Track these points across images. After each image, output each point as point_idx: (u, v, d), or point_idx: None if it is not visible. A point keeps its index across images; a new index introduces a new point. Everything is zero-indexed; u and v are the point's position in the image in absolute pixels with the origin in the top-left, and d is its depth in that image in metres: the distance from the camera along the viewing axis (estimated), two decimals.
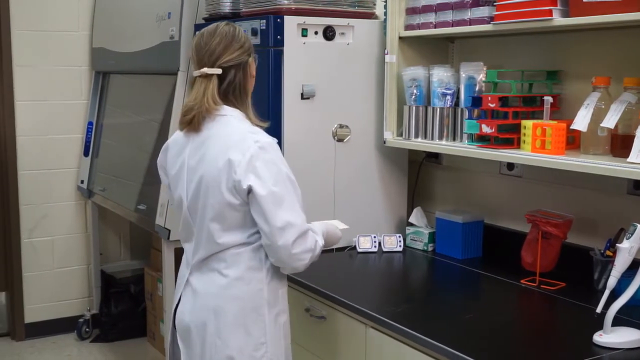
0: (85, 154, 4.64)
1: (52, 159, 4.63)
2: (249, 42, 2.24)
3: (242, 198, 2.09)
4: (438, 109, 2.77)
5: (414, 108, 2.86)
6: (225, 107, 2.18)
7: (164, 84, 3.69)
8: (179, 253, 2.70)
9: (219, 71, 2.14)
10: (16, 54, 4.45)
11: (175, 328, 2.31)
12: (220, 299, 2.16)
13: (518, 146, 2.47)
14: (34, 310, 4.67)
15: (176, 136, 2.30)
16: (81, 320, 4.67)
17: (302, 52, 2.85)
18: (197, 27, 3.33)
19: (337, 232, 2.41)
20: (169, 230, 3.35)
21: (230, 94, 2.19)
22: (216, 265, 2.17)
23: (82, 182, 4.60)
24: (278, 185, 2.08)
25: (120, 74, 4.46)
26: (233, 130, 2.14)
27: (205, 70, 2.14)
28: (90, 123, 4.64)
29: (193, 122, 2.15)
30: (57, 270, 4.73)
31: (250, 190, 2.07)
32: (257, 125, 2.20)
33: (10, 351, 4.51)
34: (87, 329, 4.67)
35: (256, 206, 2.08)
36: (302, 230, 2.12)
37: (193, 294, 2.22)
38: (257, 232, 2.14)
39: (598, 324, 2.04)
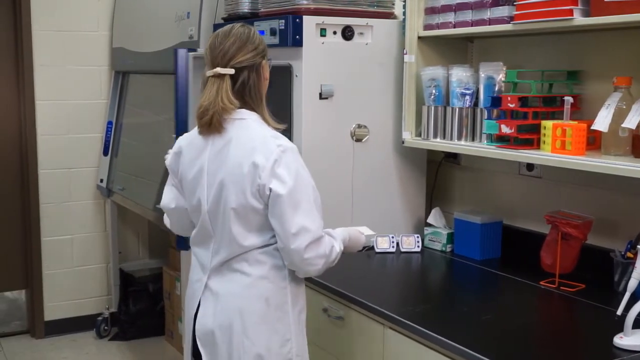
0: (105, 153, 4.67)
1: (72, 158, 4.67)
2: (264, 44, 2.24)
3: (265, 201, 2.10)
4: (457, 109, 2.76)
5: (432, 108, 2.85)
6: (244, 110, 2.18)
7: None
8: None
9: (232, 71, 2.14)
10: (37, 54, 4.49)
11: (194, 335, 2.27)
12: (245, 299, 2.17)
13: (538, 147, 2.46)
14: (54, 308, 4.72)
15: (191, 139, 2.27)
16: (100, 318, 4.70)
17: (320, 52, 2.85)
18: (216, 27, 3.34)
19: (360, 238, 2.42)
20: None
21: (246, 96, 2.18)
22: (238, 267, 2.17)
23: (101, 181, 4.64)
24: (297, 189, 2.09)
25: (139, 73, 4.48)
26: (255, 134, 2.14)
27: (218, 70, 2.14)
28: (109, 122, 4.67)
29: (213, 123, 2.13)
30: (77, 268, 4.77)
31: (270, 193, 2.08)
32: (275, 128, 2.20)
33: (30, 348, 4.55)
34: (105, 327, 4.70)
35: (274, 208, 2.09)
36: (317, 236, 2.12)
37: (214, 297, 2.21)
38: None
39: (618, 327, 2.02)
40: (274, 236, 2.15)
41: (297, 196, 2.09)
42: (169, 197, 2.37)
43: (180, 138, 2.35)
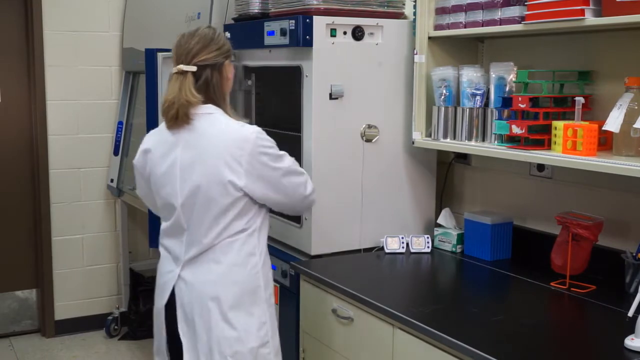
0: (115, 153, 4.68)
1: (83, 158, 4.69)
2: (228, 46, 2.38)
3: (244, 188, 2.25)
4: (467, 110, 2.76)
5: (443, 108, 2.85)
6: (210, 105, 2.31)
7: None
8: None
9: (194, 68, 2.27)
10: (48, 54, 4.51)
11: (168, 325, 2.38)
12: (221, 287, 2.29)
13: (549, 147, 2.45)
14: (64, 308, 4.74)
15: (160, 136, 2.36)
16: (110, 317, 4.72)
17: (330, 52, 2.85)
18: (227, 27, 3.34)
19: None
20: None
21: (210, 92, 2.31)
22: (212, 256, 2.30)
23: (111, 180, 4.65)
24: (280, 161, 2.31)
25: None
26: (224, 126, 2.28)
27: (181, 67, 2.27)
28: (120, 122, 4.69)
29: (179, 116, 2.25)
30: (87, 268, 4.79)
31: (255, 178, 2.25)
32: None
33: (41, 347, 4.57)
34: (115, 327, 4.71)
35: (268, 187, 2.29)
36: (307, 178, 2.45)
37: (189, 287, 2.32)
38: (252, 218, 2.32)
39: (629, 328, 2.01)
40: (247, 222, 2.31)
41: (284, 167, 2.32)
42: (139, 187, 2.53)
43: (147, 136, 2.44)
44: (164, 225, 2.40)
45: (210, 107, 2.31)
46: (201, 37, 2.31)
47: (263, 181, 2.28)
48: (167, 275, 2.38)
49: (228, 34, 3.30)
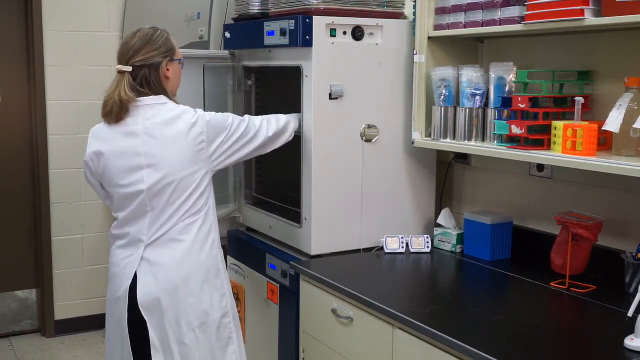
0: None
1: (83, 158, 4.66)
2: (168, 46, 2.50)
3: (207, 160, 2.46)
4: (467, 110, 2.76)
5: (442, 108, 2.85)
6: (160, 96, 2.46)
7: None
8: None
9: (129, 69, 2.43)
10: (48, 54, 4.51)
11: (131, 309, 2.44)
12: (186, 263, 2.45)
13: (548, 147, 2.45)
14: (64, 308, 4.74)
15: (105, 134, 2.47)
16: None
17: (330, 53, 2.85)
18: (227, 27, 3.34)
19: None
20: None
21: (153, 89, 2.45)
22: (174, 236, 2.45)
23: None
24: (230, 118, 2.56)
25: None
26: (167, 111, 2.44)
27: (119, 67, 2.44)
28: None
29: (112, 113, 2.41)
30: (87, 268, 4.79)
31: (219, 142, 2.48)
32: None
33: (41, 347, 4.57)
34: None
35: (231, 144, 2.53)
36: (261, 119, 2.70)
37: (154, 267, 2.43)
38: (209, 196, 2.52)
39: (629, 328, 2.01)
40: (205, 201, 2.49)
41: (235, 122, 2.57)
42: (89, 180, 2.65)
43: (91, 139, 2.53)
44: (120, 216, 2.52)
45: (162, 98, 2.46)
46: (140, 38, 2.45)
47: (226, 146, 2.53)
48: (127, 259, 2.48)
49: (228, 34, 3.30)
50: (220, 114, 2.57)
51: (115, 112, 2.41)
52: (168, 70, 2.49)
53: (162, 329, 2.45)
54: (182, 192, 2.44)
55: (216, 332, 2.52)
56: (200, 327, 2.48)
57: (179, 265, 2.45)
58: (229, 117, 2.57)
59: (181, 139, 2.42)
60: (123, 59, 2.45)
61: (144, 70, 2.44)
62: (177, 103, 2.51)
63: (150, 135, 2.42)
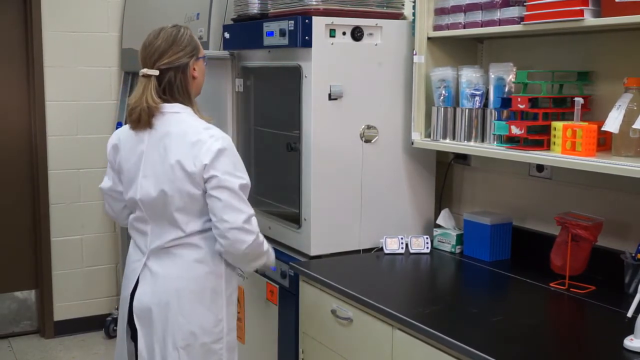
0: None
1: (82, 158, 4.68)
2: (193, 45, 2.37)
3: (203, 189, 2.27)
4: (467, 110, 2.76)
5: (442, 109, 2.85)
6: (177, 104, 2.33)
7: None
8: None
9: (157, 72, 2.29)
10: (47, 55, 4.51)
11: (131, 311, 2.40)
12: (183, 280, 2.33)
13: (548, 148, 2.45)
14: (63, 309, 4.73)
15: (128, 132, 2.39)
16: (109, 318, 4.72)
17: (330, 53, 2.85)
18: (226, 27, 3.34)
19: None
20: None
21: (175, 94, 2.32)
22: (177, 251, 2.34)
23: None
24: (238, 173, 2.27)
25: None
26: (189, 126, 2.29)
27: (145, 71, 2.30)
28: (119, 123, 4.68)
29: (141, 120, 2.29)
30: (86, 268, 4.78)
31: (213, 181, 2.24)
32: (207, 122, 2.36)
33: (40, 348, 4.56)
34: (114, 328, 4.69)
35: (218, 196, 2.25)
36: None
37: (153, 277, 2.36)
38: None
39: (629, 329, 2.01)
40: (207, 218, 2.31)
41: (238, 183, 2.26)
42: (106, 179, 2.51)
43: (116, 132, 2.49)
44: (131, 217, 2.45)
45: (176, 106, 2.33)
46: (164, 40, 2.31)
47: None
48: (135, 264, 2.43)
49: (227, 35, 3.30)
50: (240, 173, 2.29)
51: (144, 119, 2.28)
52: (194, 70, 2.36)
53: (150, 342, 2.37)
54: (185, 208, 2.29)
55: (202, 356, 2.36)
56: (185, 348, 2.33)
57: (175, 280, 2.33)
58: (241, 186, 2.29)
59: (184, 169, 2.26)
60: (147, 61, 2.30)
61: (170, 74, 2.30)
62: (197, 109, 2.38)
63: (154, 146, 2.30)
